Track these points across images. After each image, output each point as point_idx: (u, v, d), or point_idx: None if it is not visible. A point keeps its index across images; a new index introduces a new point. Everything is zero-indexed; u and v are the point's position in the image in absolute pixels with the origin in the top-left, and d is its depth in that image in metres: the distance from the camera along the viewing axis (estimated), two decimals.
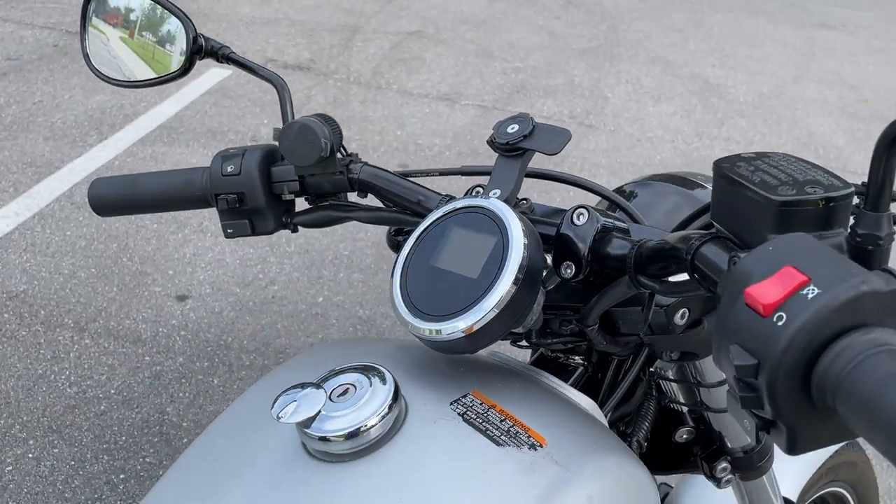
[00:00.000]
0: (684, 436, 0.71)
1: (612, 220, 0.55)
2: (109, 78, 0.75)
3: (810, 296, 0.34)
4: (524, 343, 0.62)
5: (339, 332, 2.15)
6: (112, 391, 1.83)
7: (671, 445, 0.72)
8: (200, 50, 0.72)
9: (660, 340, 0.58)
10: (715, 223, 0.47)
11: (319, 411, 0.49)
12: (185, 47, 0.71)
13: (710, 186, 0.71)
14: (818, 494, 1.08)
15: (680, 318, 0.56)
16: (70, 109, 3.08)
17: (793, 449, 0.36)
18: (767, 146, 3.58)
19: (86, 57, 0.75)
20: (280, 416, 0.48)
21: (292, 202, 0.72)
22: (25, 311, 2.03)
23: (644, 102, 3.78)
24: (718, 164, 0.46)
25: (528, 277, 0.52)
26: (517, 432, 0.50)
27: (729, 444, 0.71)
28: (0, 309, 2.03)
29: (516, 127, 0.61)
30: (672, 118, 3.66)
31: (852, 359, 0.32)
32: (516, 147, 0.60)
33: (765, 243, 0.38)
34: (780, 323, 0.34)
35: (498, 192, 0.59)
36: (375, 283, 2.37)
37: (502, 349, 0.66)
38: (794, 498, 0.91)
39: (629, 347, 0.61)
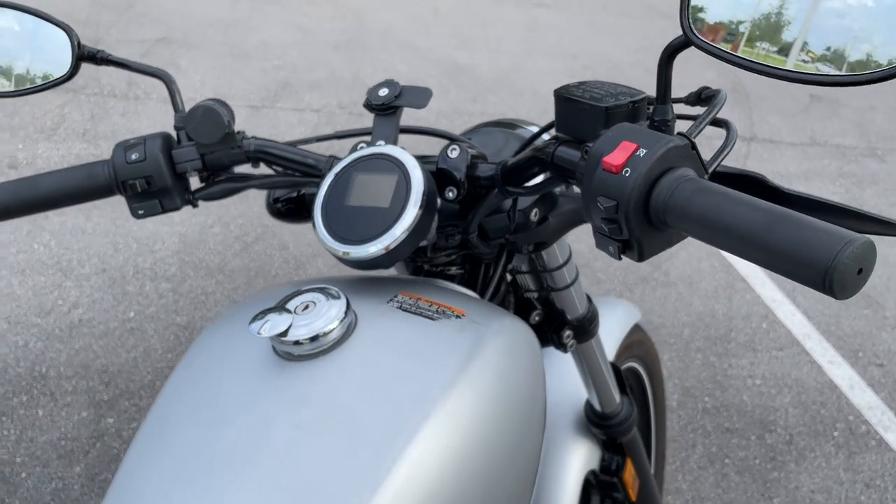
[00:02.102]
0: (536, 318, 0.91)
1: (477, 151, 0.73)
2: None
3: (641, 155, 0.54)
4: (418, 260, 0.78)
5: (160, 342, 2.14)
6: None
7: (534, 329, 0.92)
8: (83, 55, 0.77)
9: (521, 237, 0.77)
10: (559, 134, 0.66)
11: (291, 323, 0.61)
12: (70, 53, 0.76)
13: (527, 127, 0.92)
14: (632, 365, 1.36)
15: (534, 216, 0.75)
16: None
17: (642, 256, 0.56)
18: (516, 114, 4.02)
19: None
20: (260, 332, 0.60)
21: (188, 181, 0.81)
22: None
23: None
24: (558, 91, 0.65)
25: (429, 203, 0.67)
26: (443, 310, 0.66)
27: (569, 317, 0.93)
28: None
29: (387, 90, 0.76)
30: (432, 100, 3.96)
31: (669, 187, 0.53)
32: (391, 106, 0.76)
33: (604, 132, 0.58)
34: (626, 174, 0.54)
35: (383, 142, 0.74)
36: (185, 289, 2.36)
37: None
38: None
39: (496, 248, 0.79)
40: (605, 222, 0.56)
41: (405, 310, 0.66)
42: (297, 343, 0.60)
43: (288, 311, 0.62)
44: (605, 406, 1.07)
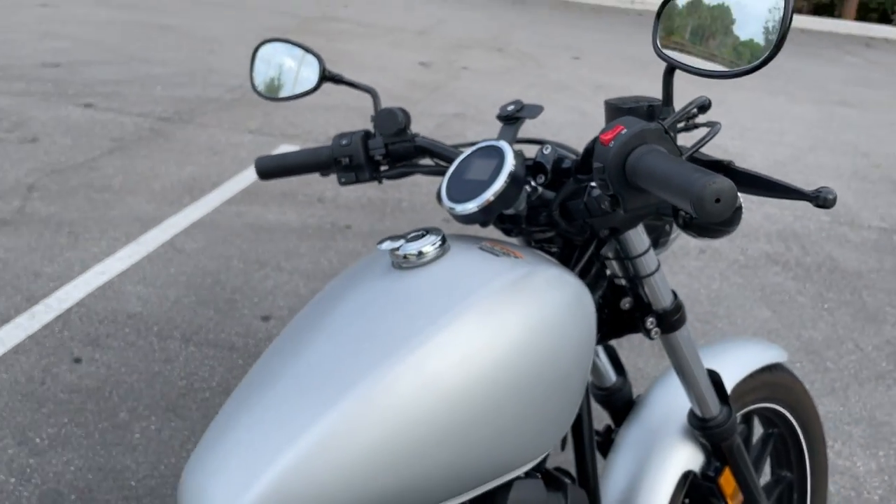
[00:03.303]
0: (626, 304, 1.08)
1: (565, 150, 0.97)
2: (268, 97, 1.20)
3: (623, 132, 0.75)
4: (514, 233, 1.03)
5: None
6: (214, 384, 2.25)
7: (622, 314, 1.09)
8: (324, 75, 1.17)
9: (596, 221, 0.97)
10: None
11: (403, 243, 0.90)
12: (317, 74, 1.15)
13: None
14: (758, 406, 1.41)
15: (604, 204, 0.96)
16: (166, 178, 3.64)
17: (625, 208, 0.76)
18: (780, 204, 3.94)
19: (252, 85, 1.21)
20: (381, 246, 0.89)
21: (379, 165, 1.15)
22: (142, 326, 2.49)
23: None
24: (608, 101, 0.88)
25: (515, 178, 0.92)
26: (507, 253, 0.90)
27: (653, 307, 1.08)
28: (123, 325, 2.50)
29: (512, 106, 1.04)
30: None
31: (639, 156, 0.73)
32: (513, 116, 1.03)
33: (611, 122, 0.80)
34: (611, 146, 0.75)
35: (503, 141, 1.01)
36: None
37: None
38: (727, 390, 1.25)
39: (579, 228, 1.01)
40: (599, 182, 0.77)
41: (482, 249, 0.92)
42: (404, 257, 0.89)
43: (403, 237, 0.91)
44: (702, 410, 1.18)
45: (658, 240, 1.13)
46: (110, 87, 4.88)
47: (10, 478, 1.86)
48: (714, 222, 0.67)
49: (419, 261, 0.89)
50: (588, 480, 1.16)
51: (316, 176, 3.85)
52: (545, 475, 1.01)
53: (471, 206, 0.93)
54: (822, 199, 0.73)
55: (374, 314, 0.85)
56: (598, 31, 8.54)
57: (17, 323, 2.45)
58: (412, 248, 0.89)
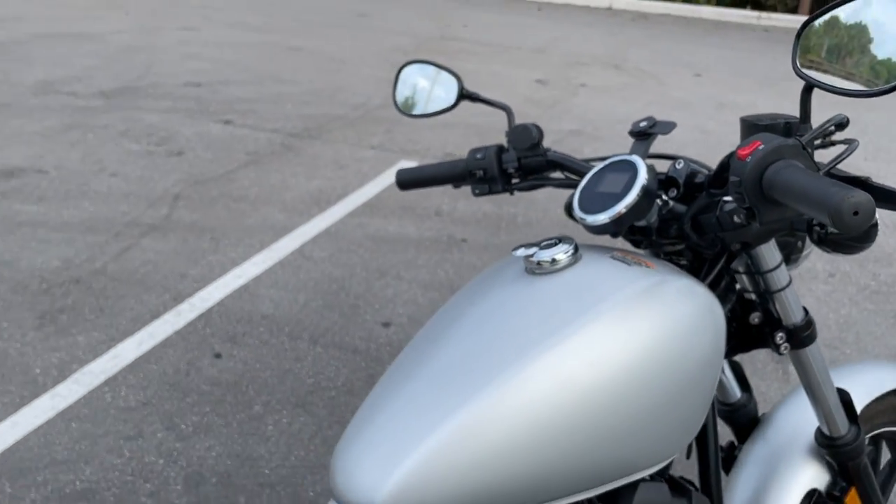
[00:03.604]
0: (756, 319, 1.10)
1: (697, 165, 1.00)
2: (408, 114, 1.30)
3: (759, 148, 0.78)
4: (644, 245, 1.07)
5: None
6: (339, 384, 2.38)
7: (750, 329, 1.11)
8: (462, 94, 1.25)
9: (728, 235, 1.00)
10: None
11: (537, 251, 0.96)
12: (456, 92, 1.24)
13: None
14: (888, 430, 1.37)
15: (737, 217, 0.99)
16: (297, 190, 3.86)
17: (761, 221, 0.79)
18: None
19: (394, 102, 1.31)
20: (516, 252, 0.96)
21: (511, 177, 1.22)
22: (274, 327, 2.67)
23: None
24: (743, 118, 0.91)
25: (647, 192, 0.97)
26: (639, 263, 0.94)
27: (784, 322, 1.09)
28: (258, 325, 2.68)
29: (645, 123, 1.08)
30: None
31: (777, 170, 0.76)
32: (645, 132, 1.07)
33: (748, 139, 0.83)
34: (748, 161, 0.78)
35: (635, 156, 1.06)
36: None
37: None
38: (857, 410, 1.24)
39: (710, 242, 1.03)
40: (735, 195, 0.81)
41: (614, 258, 0.96)
42: (538, 263, 0.95)
43: (537, 245, 0.98)
44: (830, 428, 1.17)
45: (789, 256, 1.13)
46: (246, 104, 5.22)
47: (160, 459, 2.05)
48: (850, 236, 0.69)
49: (552, 267, 0.95)
50: (711, 491, 1.18)
51: (434, 190, 3.99)
52: (669, 481, 1.04)
53: (602, 218, 0.97)
54: None
55: (509, 315, 0.91)
56: (721, 47, 8.34)
57: (165, 319, 2.68)
58: (546, 255, 0.95)
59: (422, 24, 8.54)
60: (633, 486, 0.96)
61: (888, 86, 0.76)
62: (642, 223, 1.02)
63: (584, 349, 0.86)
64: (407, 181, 1.28)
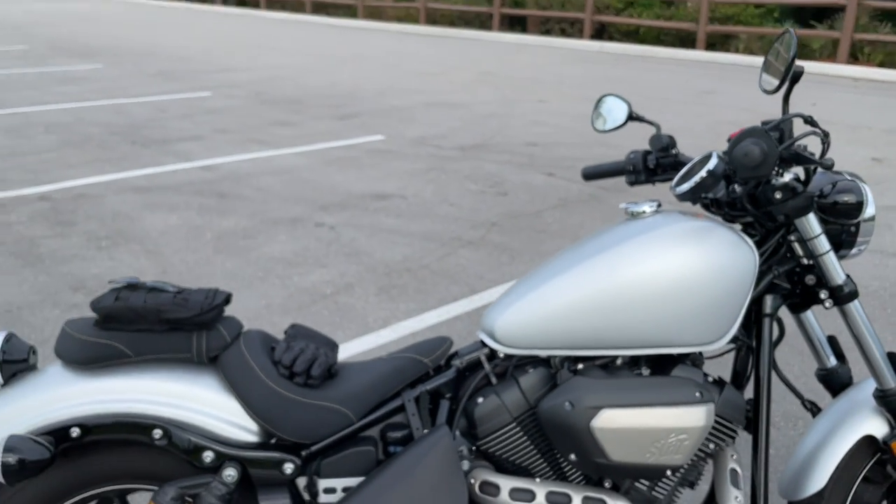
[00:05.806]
0: (811, 281, 1.45)
1: None
2: (600, 130, 1.89)
3: (739, 133, 1.26)
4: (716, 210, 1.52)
5: None
6: None
7: (807, 289, 1.47)
8: (630, 116, 1.81)
9: (774, 208, 1.41)
10: None
11: (634, 205, 1.50)
12: (626, 114, 1.80)
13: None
14: None
15: (776, 195, 1.40)
16: (590, 228, 4.51)
17: (737, 179, 1.25)
18: None
19: (592, 123, 1.92)
20: (621, 206, 1.51)
21: (653, 172, 1.73)
22: None
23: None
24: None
25: (713, 174, 1.44)
26: (697, 218, 1.43)
27: (829, 283, 1.43)
28: None
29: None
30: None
31: (740, 143, 1.24)
32: None
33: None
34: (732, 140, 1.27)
35: (714, 150, 1.53)
36: None
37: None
38: None
39: (765, 215, 1.44)
40: (725, 162, 1.28)
41: (683, 213, 1.46)
42: (632, 213, 1.50)
43: (637, 203, 1.52)
44: (880, 381, 1.46)
45: (843, 240, 1.47)
46: (570, 162, 6.04)
47: None
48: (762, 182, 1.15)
49: (641, 216, 1.48)
50: (759, 418, 1.53)
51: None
52: (707, 377, 1.47)
53: (683, 188, 1.48)
54: None
55: (607, 237, 1.48)
56: None
57: (460, 304, 3.52)
58: (636, 207, 1.49)
59: (767, 100, 8.66)
60: (675, 363, 1.43)
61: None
62: (711, 196, 1.49)
63: (640, 254, 1.38)
64: (590, 173, 1.87)
